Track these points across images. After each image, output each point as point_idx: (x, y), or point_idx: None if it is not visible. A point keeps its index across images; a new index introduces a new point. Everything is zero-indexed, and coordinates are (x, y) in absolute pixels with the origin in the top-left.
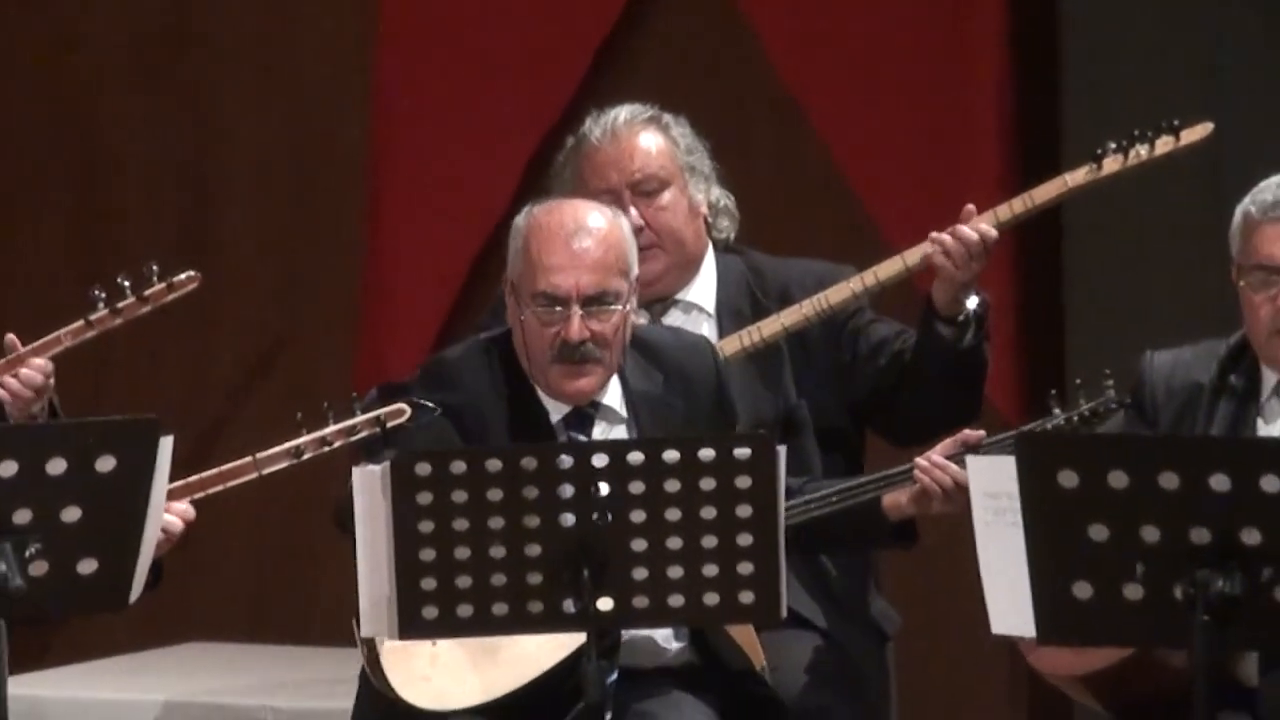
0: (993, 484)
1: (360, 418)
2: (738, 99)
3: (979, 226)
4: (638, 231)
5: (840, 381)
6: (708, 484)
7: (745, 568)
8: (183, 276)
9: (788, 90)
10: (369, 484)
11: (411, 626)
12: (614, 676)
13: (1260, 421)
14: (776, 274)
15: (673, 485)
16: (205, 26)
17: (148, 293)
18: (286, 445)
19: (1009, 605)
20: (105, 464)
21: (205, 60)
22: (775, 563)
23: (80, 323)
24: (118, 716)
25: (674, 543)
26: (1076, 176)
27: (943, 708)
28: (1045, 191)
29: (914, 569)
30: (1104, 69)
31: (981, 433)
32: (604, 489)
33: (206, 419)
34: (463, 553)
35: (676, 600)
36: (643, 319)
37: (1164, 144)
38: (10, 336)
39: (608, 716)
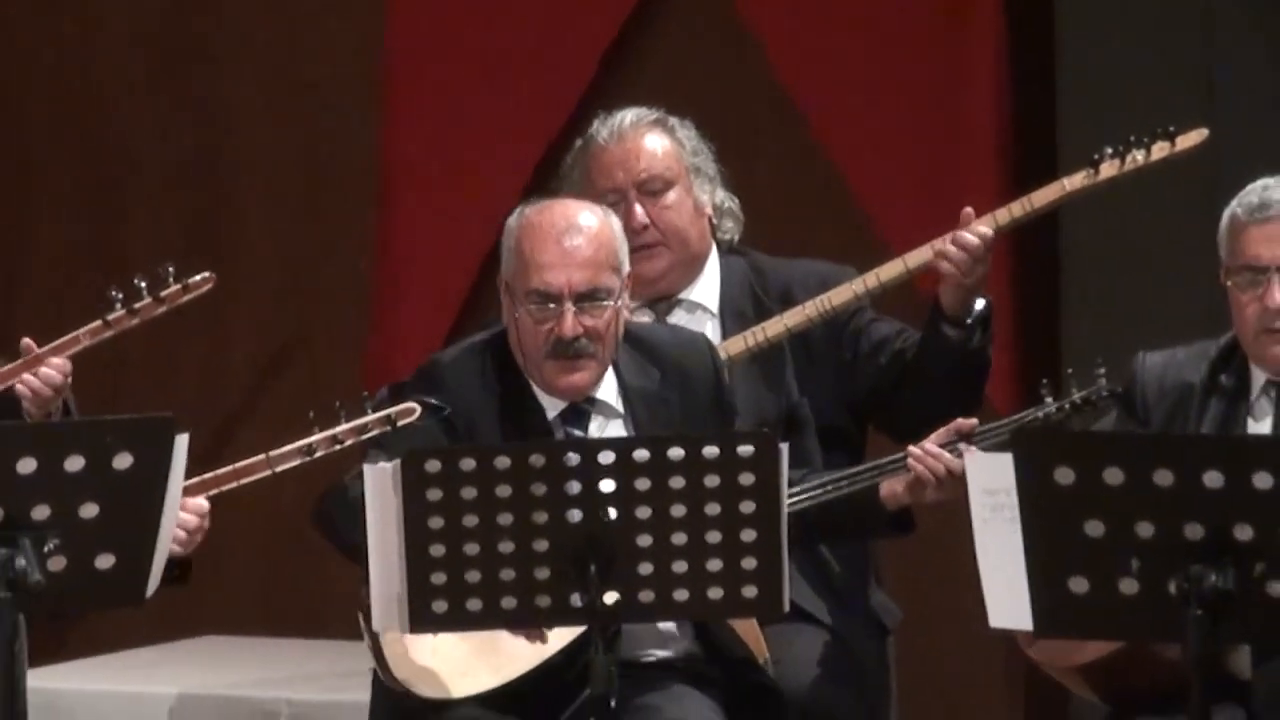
0: (991, 480)
1: (371, 416)
2: (741, 104)
3: (977, 229)
4: (643, 230)
5: (841, 379)
6: (712, 481)
7: (749, 563)
8: (198, 278)
9: (789, 95)
10: (380, 481)
11: (422, 620)
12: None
13: (1250, 420)
14: (778, 274)
15: (678, 482)
16: (217, 32)
17: (164, 293)
18: (299, 443)
19: (1007, 599)
20: (122, 461)
21: (217, 65)
22: (778, 558)
23: (98, 323)
24: (134, 709)
25: (679, 538)
26: (1074, 181)
27: (941, 700)
28: (1043, 196)
29: (913, 563)
30: (1100, 77)
31: (974, 421)
32: (610, 486)
33: (220, 417)
34: (472, 548)
35: (681, 595)
36: (647, 317)
37: (1160, 149)
38: (26, 341)
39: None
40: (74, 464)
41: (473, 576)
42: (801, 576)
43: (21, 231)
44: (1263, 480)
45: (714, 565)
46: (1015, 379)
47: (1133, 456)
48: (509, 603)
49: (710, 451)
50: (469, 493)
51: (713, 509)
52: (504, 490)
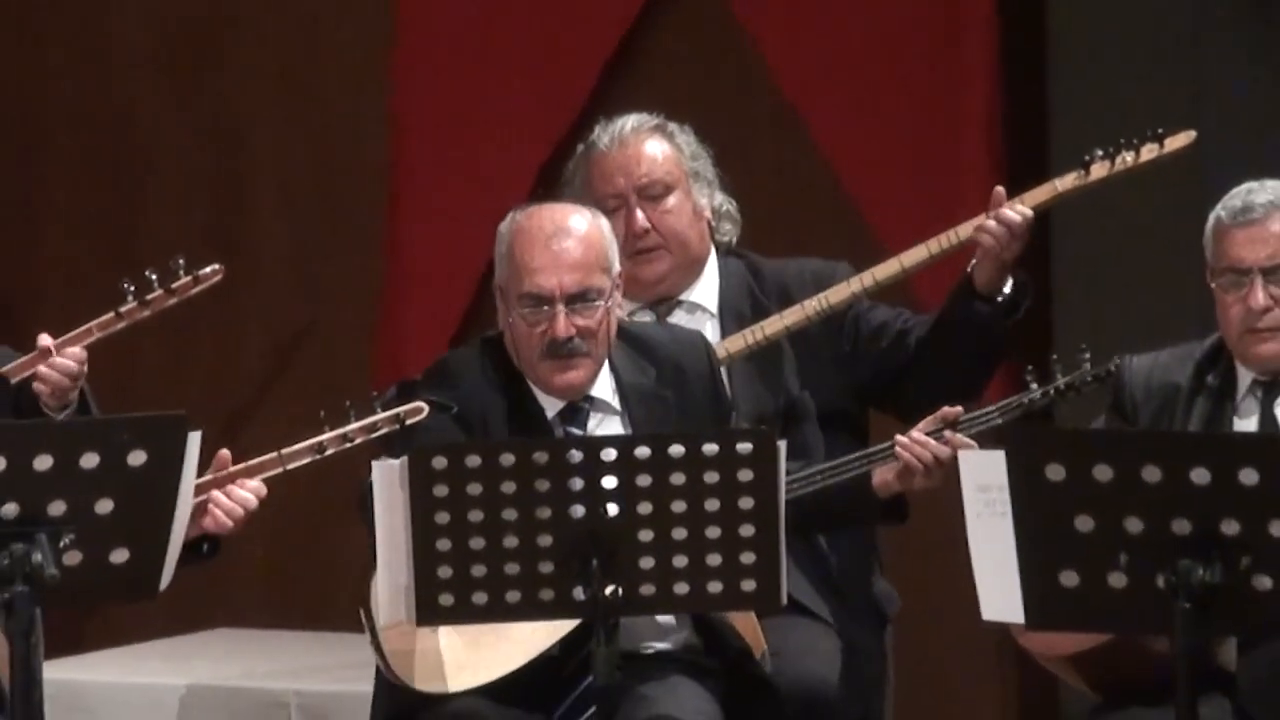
0: (984, 477)
1: (381, 415)
2: (739, 109)
3: (1017, 207)
4: (644, 234)
5: (843, 368)
6: (711, 477)
7: (747, 557)
8: (207, 270)
9: (787, 101)
10: (388, 477)
11: (428, 613)
12: None
13: (1236, 418)
14: (775, 274)
15: (678, 478)
16: (232, 35)
17: (174, 285)
18: (310, 441)
19: (999, 592)
20: (136, 458)
21: (233, 67)
22: (776, 552)
23: (110, 314)
24: (148, 700)
25: (679, 533)
26: (1066, 182)
27: (936, 688)
28: (1035, 196)
29: (908, 557)
30: (1091, 81)
31: (959, 409)
32: (612, 482)
33: (232, 414)
34: (477, 542)
35: (681, 588)
36: (648, 318)
37: (1149, 151)
38: (43, 336)
39: None
40: (89, 461)
41: (478, 570)
42: (800, 571)
43: (38, 230)
44: (1249, 476)
45: (713, 559)
46: (1010, 378)
47: (1122, 454)
48: (513, 596)
49: (710, 448)
50: (474, 488)
51: (712, 504)
52: (509, 486)
